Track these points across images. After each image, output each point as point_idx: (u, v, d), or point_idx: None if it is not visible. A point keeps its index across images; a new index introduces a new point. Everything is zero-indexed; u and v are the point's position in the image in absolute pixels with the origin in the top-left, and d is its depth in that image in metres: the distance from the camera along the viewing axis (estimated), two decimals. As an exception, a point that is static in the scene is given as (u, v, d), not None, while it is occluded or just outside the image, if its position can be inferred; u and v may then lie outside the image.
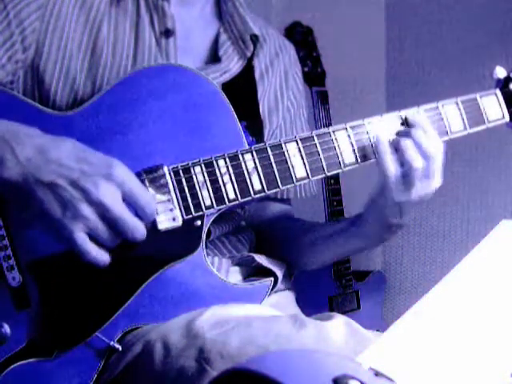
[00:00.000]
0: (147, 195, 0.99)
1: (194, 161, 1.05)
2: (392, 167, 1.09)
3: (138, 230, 0.98)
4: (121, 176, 0.96)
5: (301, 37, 2.24)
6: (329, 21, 2.45)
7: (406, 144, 1.09)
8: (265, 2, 2.48)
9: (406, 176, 1.09)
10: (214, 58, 1.27)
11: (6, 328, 1.01)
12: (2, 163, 0.95)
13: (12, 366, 1.01)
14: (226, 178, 1.05)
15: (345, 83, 2.39)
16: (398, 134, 1.13)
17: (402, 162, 1.09)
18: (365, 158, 1.13)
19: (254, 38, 1.30)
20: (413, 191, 1.10)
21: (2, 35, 1.11)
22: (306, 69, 2.21)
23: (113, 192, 0.95)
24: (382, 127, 1.14)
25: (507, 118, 1.24)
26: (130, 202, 0.97)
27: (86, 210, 0.94)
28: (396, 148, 1.10)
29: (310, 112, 2.11)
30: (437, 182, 1.11)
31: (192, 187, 1.04)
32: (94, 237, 0.95)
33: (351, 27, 2.54)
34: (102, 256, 0.97)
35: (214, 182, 1.05)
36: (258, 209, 1.38)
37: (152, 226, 1.02)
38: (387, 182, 1.10)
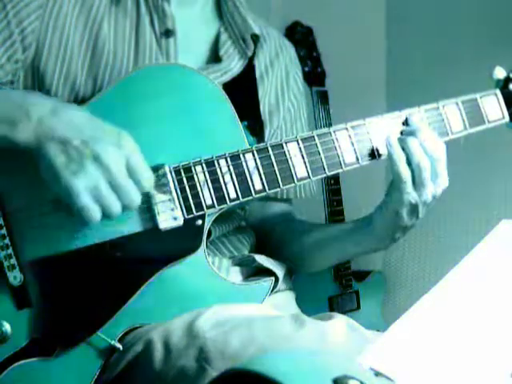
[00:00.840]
0: (148, 172, 1.00)
1: (195, 160, 1.05)
2: (406, 170, 1.09)
3: (136, 199, 0.98)
4: (129, 147, 0.98)
5: (301, 37, 2.24)
6: (329, 21, 2.45)
7: (414, 144, 1.09)
8: (265, 1, 2.47)
9: (415, 176, 1.09)
10: (214, 57, 1.27)
11: (7, 327, 1.02)
12: (16, 124, 0.96)
13: (13, 365, 1.01)
14: (227, 177, 1.05)
15: (345, 83, 2.39)
16: (403, 133, 1.13)
17: (409, 162, 1.09)
18: (365, 157, 1.13)
19: (255, 38, 1.30)
20: (426, 192, 1.10)
21: (1, 35, 1.11)
22: (306, 69, 2.21)
23: (119, 159, 0.96)
24: (382, 127, 1.14)
25: (507, 119, 1.24)
26: (131, 173, 0.98)
27: (91, 168, 0.95)
28: (403, 147, 1.10)
29: (309, 112, 2.11)
30: (445, 182, 1.12)
31: (193, 186, 1.04)
32: (95, 197, 0.95)
33: (351, 27, 2.54)
34: (95, 213, 0.96)
35: (215, 181, 1.05)
36: (259, 209, 1.38)
37: (153, 226, 1.02)
38: (402, 186, 1.10)
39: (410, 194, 1.10)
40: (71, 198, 0.95)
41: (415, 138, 1.09)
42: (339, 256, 1.35)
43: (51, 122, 0.96)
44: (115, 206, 0.97)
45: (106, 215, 0.97)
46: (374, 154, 1.13)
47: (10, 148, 0.97)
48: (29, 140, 0.96)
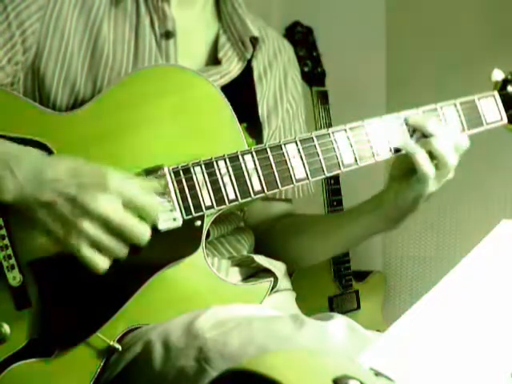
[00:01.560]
0: (146, 196, 1.00)
1: (194, 161, 1.05)
2: (432, 169, 1.12)
3: (144, 234, 0.99)
4: (116, 184, 0.97)
5: (301, 37, 2.23)
6: (329, 21, 2.45)
7: (440, 144, 1.11)
8: (265, 1, 2.47)
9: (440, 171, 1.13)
10: (213, 59, 1.27)
11: (6, 328, 1.01)
12: (2, 185, 0.96)
13: (12, 366, 1.01)
14: (226, 178, 1.05)
15: (345, 83, 2.39)
16: (419, 134, 1.15)
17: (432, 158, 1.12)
18: (364, 159, 1.13)
19: (254, 40, 1.30)
20: (444, 180, 1.15)
21: (2, 37, 1.11)
22: (305, 69, 2.21)
23: (112, 201, 0.96)
24: (381, 128, 1.14)
25: (505, 120, 1.24)
26: (131, 206, 0.98)
27: (88, 226, 0.95)
28: (429, 149, 1.12)
29: (309, 112, 2.11)
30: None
31: (192, 187, 1.04)
32: (100, 249, 0.97)
33: (351, 27, 2.54)
34: (102, 264, 0.98)
35: (214, 182, 1.05)
36: (259, 209, 1.38)
37: (152, 227, 1.02)
38: (429, 181, 1.12)
39: (433, 186, 1.13)
40: (77, 257, 0.96)
41: (446, 139, 1.12)
42: (346, 242, 1.35)
43: (36, 183, 0.96)
44: (120, 252, 0.98)
45: (117, 259, 0.99)
46: (372, 156, 1.13)
47: None
48: (16, 201, 0.96)
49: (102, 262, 0.97)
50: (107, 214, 0.95)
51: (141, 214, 0.99)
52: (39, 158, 1.00)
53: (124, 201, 0.97)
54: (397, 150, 1.15)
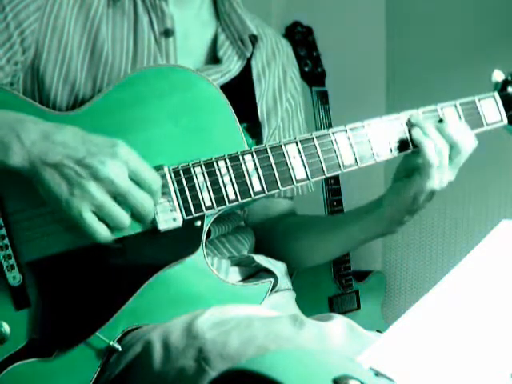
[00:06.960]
0: (152, 172, 1.00)
1: (195, 161, 1.05)
2: (436, 159, 1.12)
3: (148, 203, 0.99)
4: (126, 154, 0.98)
5: (301, 37, 2.23)
6: (329, 21, 2.45)
7: (458, 131, 1.13)
8: (265, 1, 2.47)
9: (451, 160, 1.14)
10: (212, 58, 1.27)
11: (6, 327, 1.02)
12: (9, 150, 0.96)
13: (12, 366, 1.01)
14: (227, 178, 1.05)
15: (345, 83, 2.39)
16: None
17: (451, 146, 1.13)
18: (364, 160, 1.13)
19: (253, 38, 1.30)
20: (446, 178, 1.15)
21: (0, 37, 1.11)
22: (306, 69, 2.21)
23: (119, 168, 0.96)
24: (380, 129, 1.14)
25: (505, 121, 1.24)
26: (135, 179, 0.98)
27: (93, 188, 0.95)
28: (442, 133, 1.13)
29: (309, 112, 2.11)
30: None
31: (192, 188, 1.04)
32: (102, 216, 0.96)
33: (351, 27, 2.54)
34: (110, 237, 0.98)
35: (215, 182, 1.05)
36: (260, 208, 1.38)
37: (152, 227, 1.02)
38: (431, 171, 1.12)
39: (434, 181, 1.12)
40: (78, 223, 0.96)
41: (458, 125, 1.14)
42: (346, 244, 1.35)
43: (44, 145, 0.96)
44: (122, 220, 0.98)
45: (118, 228, 0.98)
46: (373, 156, 1.13)
47: (4, 171, 0.97)
48: (22, 165, 0.96)
49: (102, 230, 0.97)
50: (114, 179, 0.95)
51: (144, 188, 0.99)
52: (47, 123, 1.00)
53: (130, 171, 0.97)
54: (398, 151, 1.15)
